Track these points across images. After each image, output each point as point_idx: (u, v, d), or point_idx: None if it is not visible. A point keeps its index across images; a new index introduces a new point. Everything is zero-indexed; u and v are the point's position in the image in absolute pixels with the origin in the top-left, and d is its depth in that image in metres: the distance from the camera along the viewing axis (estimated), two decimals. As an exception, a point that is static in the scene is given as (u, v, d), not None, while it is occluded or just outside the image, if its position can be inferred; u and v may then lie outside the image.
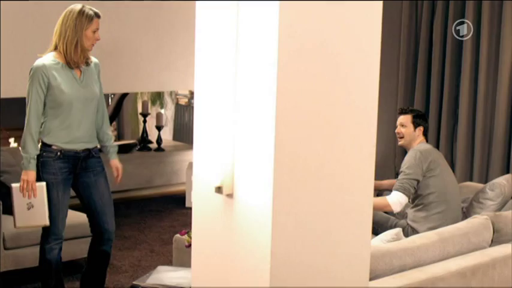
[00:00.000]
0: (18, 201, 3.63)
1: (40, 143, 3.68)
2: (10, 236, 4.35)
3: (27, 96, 3.64)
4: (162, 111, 8.21)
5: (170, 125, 8.77)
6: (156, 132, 7.58)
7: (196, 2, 2.42)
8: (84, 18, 3.63)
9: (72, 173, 3.75)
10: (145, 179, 7.07)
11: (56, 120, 3.66)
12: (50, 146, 3.67)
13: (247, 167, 2.26)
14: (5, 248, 4.37)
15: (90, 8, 3.67)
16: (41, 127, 3.66)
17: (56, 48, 3.68)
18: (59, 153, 3.67)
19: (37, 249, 3.81)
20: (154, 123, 7.75)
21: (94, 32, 3.67)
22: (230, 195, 2.33)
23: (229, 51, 2.27)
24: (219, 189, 2.33)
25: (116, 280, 4.57)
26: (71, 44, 3.63)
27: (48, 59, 3.65)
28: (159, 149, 7.45)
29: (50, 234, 3.74)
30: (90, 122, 3.77)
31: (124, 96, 7.91)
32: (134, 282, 3.58)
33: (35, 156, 3.62)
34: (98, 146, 3.86)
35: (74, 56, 3.65)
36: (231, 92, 2.28)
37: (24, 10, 4.93)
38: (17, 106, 6.21)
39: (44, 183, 3.65)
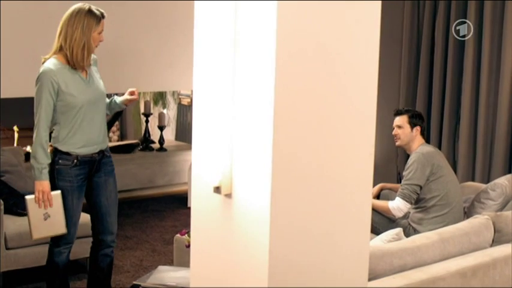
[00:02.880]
0: (34, 212, 3.52)
1: (52, 150, 3.56)
2: (12, 236, 4.35)
3: (36, 104, 3.50)
4: (165, 111, 8.20)
5: (172, 125, 8.77)
6: (159, 132, 7.58)
7: (195, 1, 2.41)
8: (92, 20, 3.50)
9: (87, 178, 3.67)
10: (147, 179, 7.07)
11: (68, 126, 3.55)
12: (65, 153, 3.57)
13: (246, 167, 2.26)
14: (7, 248, 4.36)
15: (97, 9, 3.55)
16: (52, 133, 3.55)
17: (60, 50, 3.53)
18: (75, 161, 3.58)
19: (39, 249, 3.80)
20: (157, 123, 7.74)
21: (99, 33, 3.56)
22: (229, 195, 2.33)
23: (228, 52, 2.27)
24: (217, 189, 2.33)
25: (118, 280, 4.57)
26: (78, 46, 3.49)
27: (54, 63, 3.52)
28: (162, 149, 7.45)
29: (61, 238, 3.67)
30: (102, 122, 3.67)
31: (127, 96, 7.90)
32: (135, 282, 3.59)
33: (47, 166, 3.51)
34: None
35: (81, 59, 3.52)
36: (230, 92, 2.28)
37: (24, 9, 4.92)
38: (17, 106, 6.24)
39: (59, 192, 3.55)
